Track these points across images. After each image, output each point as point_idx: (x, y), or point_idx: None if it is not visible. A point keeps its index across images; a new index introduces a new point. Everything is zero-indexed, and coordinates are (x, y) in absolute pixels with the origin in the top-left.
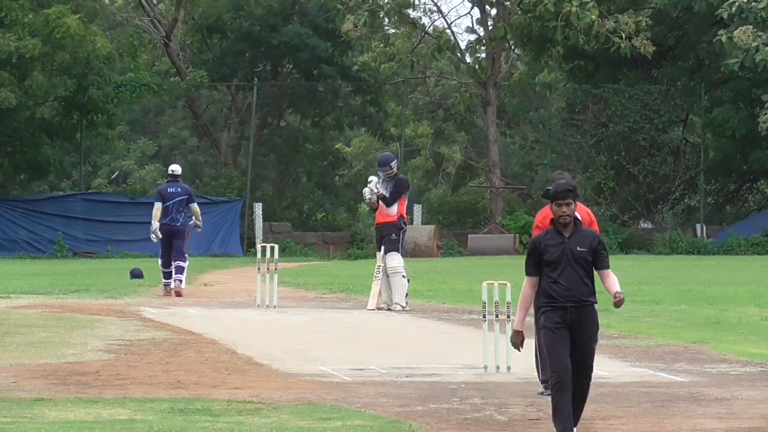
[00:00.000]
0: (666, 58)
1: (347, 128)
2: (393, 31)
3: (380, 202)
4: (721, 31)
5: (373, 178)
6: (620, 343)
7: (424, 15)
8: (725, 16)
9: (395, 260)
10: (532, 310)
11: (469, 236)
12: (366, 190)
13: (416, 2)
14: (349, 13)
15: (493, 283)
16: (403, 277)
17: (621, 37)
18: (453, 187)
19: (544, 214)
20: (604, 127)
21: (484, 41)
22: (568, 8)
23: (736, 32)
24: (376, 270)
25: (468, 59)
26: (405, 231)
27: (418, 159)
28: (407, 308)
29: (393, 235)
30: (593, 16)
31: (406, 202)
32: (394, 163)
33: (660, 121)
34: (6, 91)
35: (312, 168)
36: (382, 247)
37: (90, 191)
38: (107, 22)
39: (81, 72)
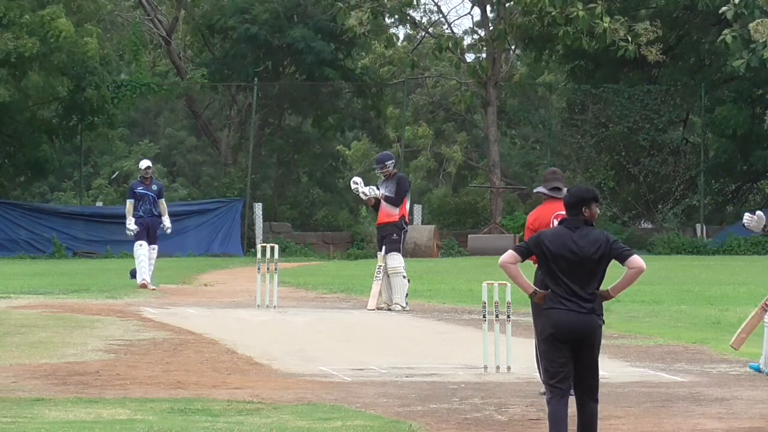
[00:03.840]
0: (666, 58)
1: (347, 130)
2: (393, 30)
3: (385, 201)
4: (725, 31)
5: (359, 179)
6: (620, 343)
7: (424, 14)
8: (729, 16)
9: (396, 260)
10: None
11: (469, 236)
12: (354, 184)
13: (417, 2)
14: (351, 10)
15: (493, 283)
16: (404, 277)
17: (628, 41)
18: (453, 188)
19: (535, 216)
20: (604, 127)
21: (485, 41)
22: (575, 12)
23: (751, 25)
24: (376, 270)
25: (468, 58)
26: (406, 231)
27: (419, 159)
28: (407, 308)
29: (394, 235)
30: (606, 24)
31: (408, 202)
32: (390, 162)
33: (660, 121)
34: (1, 87)
35: (313, 168)
36: (383, 247)
37: (90, 212)
38: (107, 23)
39: (78, 72)
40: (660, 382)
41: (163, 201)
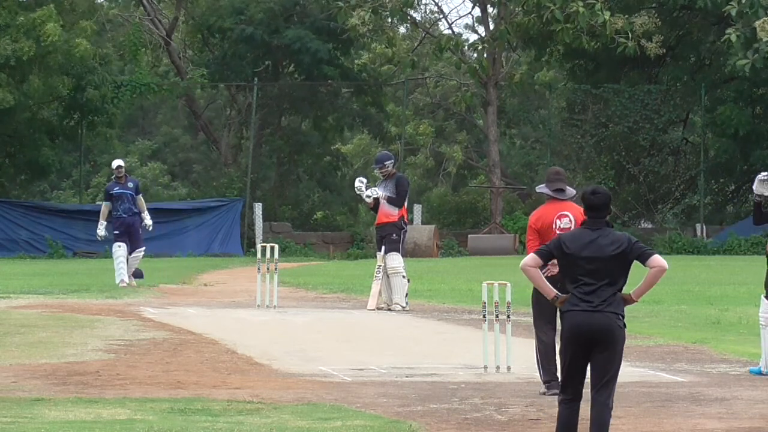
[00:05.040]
0: (667, 57)
1: (348, 130)
2: (394, 30)
3: (387, 202)
4: (729, 30)
5: (364, 180)
6: None
7: (425, 14)
8: (733, 13)
9: (395, 260)
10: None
11: (469, 236)
12: (359, 183)
13: (417, 2)
14: (352, 10)
15: (493, 283)
16: (404, 277)
17: (627, 37)
18: (453, 187)
19: (538, 216)
20: (605, 127)
21: (485, 41)
22: (574, 8)
23: (758, 23)
24: (376, 270)
25: (469, 57)
26: (406, 231)
27: (418, 156)
28: (407, 308)
29: (394, 235)
30: (606, 17)
31: (407, 202)
32: (389, 162)
33: (660, 121)
34: (4, 91)
35: (313, 168)
36: (383, 247)
37: (90, 208)
38: (107, 22)
39: (78, 72)
40: (660, 382)
41: (140, 197)
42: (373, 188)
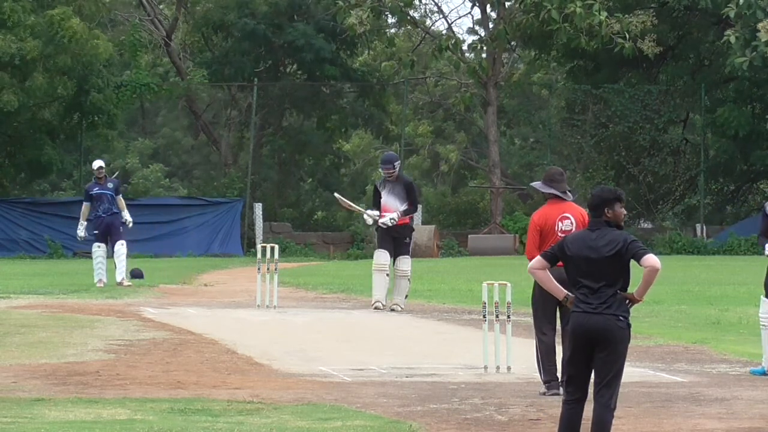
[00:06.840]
0: (666, 57)
1: (350, 129)
2: (394, 30)
3: (404, 215)
4: (728, 32)
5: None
6: None
7: (424, 15)
8: (732, 15)
9: (408, 264)
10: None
11: (469, 236)
12: (368, 217)
13: (417, 2)
14: (352, 9)
15: (493, 283)
16: (408, 280)
17: (625, 38)
18: (453, 188)
19: (540, 214)
20: (604, 127)
21: (485, 42)
22: (572, 8)
23: (761, 24)
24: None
25: (468, 56)
26: (413, 232)
27: (416, 157)
28: (401, 310)
29: (407, 238)
30: (601, 17)
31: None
32: (397, 163)
33: (660, 121)
34: (8, 93)
35: (315, 168)
36: (392, 247)
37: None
38: (109, 22)
39: (82, 74)
40: (660, 382)
41: (120, 198)
42: (388, 216)
